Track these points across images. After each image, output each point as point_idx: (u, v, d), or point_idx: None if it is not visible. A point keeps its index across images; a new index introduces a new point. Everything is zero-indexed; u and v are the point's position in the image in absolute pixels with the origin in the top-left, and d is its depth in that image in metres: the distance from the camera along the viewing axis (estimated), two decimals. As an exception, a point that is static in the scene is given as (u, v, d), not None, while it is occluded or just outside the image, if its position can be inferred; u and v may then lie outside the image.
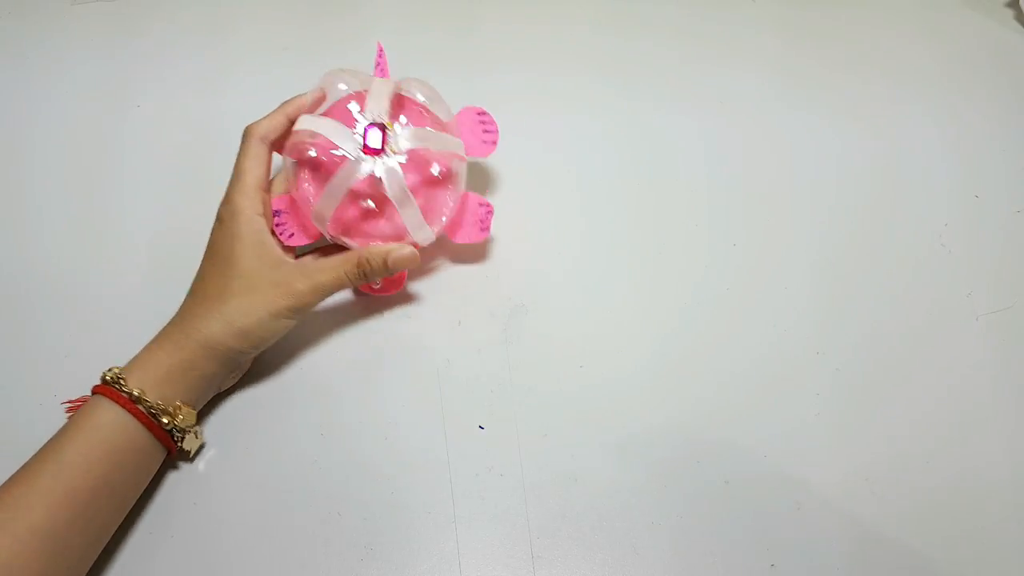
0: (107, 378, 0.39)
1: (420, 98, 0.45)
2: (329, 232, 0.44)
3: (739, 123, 0.60)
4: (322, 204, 0.42)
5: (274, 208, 0.44)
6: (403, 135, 0.43)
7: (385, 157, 0.42)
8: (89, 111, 0.60)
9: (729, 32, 0.66)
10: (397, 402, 0.45)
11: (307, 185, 0.44)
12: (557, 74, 0.63)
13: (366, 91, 0.44)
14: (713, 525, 0.41)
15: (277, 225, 0.43)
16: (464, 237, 0.48)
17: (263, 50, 0.64)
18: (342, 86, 0.45)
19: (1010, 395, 0.46)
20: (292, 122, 0.44)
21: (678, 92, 0.62)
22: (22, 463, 0.38)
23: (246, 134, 0.44)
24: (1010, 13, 0.69)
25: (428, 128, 0.44)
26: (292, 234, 0.44)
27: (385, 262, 0.42)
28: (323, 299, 0.42)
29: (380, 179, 0.42)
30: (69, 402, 0.41)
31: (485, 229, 0.48)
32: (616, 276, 0.51)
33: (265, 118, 0.44)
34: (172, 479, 0.42)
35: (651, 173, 0.57)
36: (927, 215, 0.54)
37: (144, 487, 0.40)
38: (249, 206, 0.42)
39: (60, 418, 0.43)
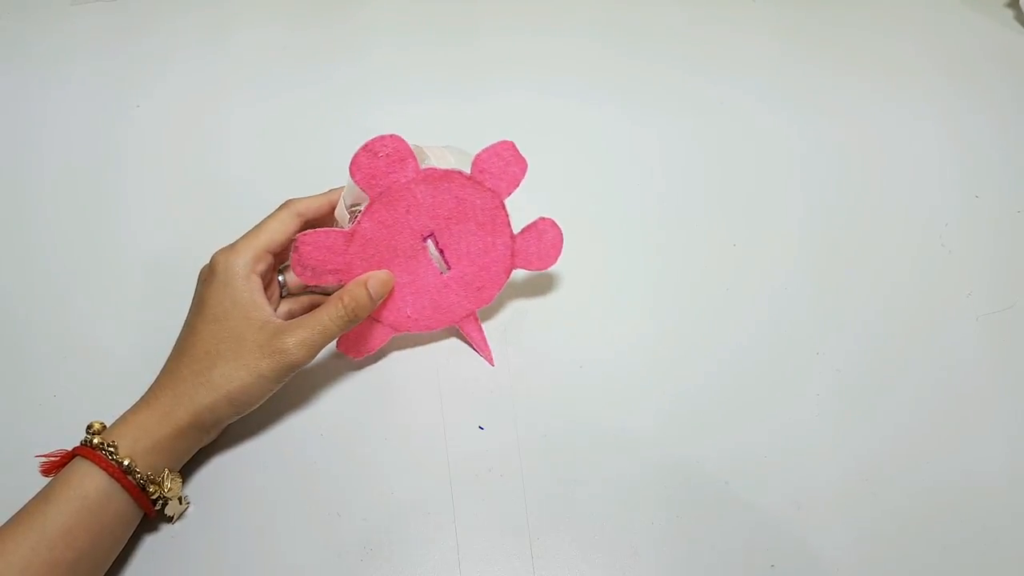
0: (95, 441, 0.36)
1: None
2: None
3: (739, 123, 0.60)
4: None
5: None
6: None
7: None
8: (89, 111, 0.60)
9: (729, 33, 0.67)
10: (397, 402, 0.45)
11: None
12: (554, 78, 0.63)
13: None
14: (713, 525, 0.41)
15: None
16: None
17: (262, 50, 0.64)
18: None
19: (1010, 395, 0.46)
20: (333, 207, 0.43)
21: (678, 93, 0.62)
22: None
23: (284, 204, 0.42)
24: (1010, 13, 0.69)
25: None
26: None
27: (367, 291, 0.40)
28: (311, 354, 0.40)
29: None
30: (45, 457, 0.38)
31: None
32: (616, 276, 0.51)
33: (310, 197, 0.43)
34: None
35: (650, 174, 0.57)
36: (927, 215, 0.54)
37: (121, 549, 0.38)
38: (251, 264, 0.40)
39: (59, 417, 0.43)
